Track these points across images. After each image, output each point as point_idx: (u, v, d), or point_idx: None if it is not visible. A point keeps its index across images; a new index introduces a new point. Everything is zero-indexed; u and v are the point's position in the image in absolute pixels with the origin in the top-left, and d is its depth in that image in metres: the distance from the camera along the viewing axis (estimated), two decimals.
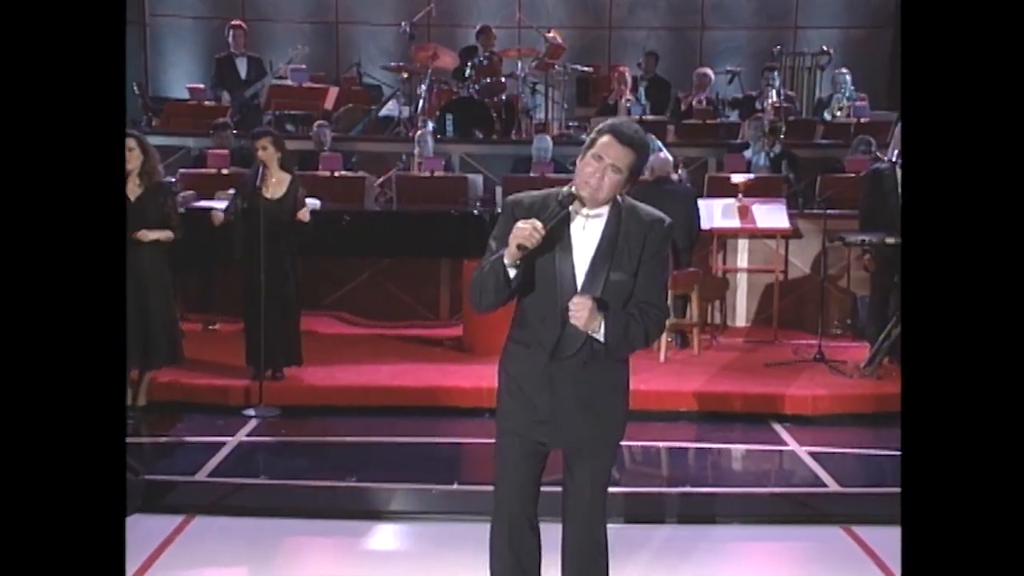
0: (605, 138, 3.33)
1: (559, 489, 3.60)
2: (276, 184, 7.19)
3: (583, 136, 12.20)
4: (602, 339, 3.34)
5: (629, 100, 12.41)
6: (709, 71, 12.86)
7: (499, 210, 4.03)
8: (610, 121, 3.43)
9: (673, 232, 3.51)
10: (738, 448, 6.59)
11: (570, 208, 3.33)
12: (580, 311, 3.29)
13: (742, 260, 9.60)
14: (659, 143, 10.30)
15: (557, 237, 3.34)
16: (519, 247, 3.25)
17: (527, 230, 3.23)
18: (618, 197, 3.42)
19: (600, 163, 3.32)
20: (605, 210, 3.39)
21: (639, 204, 3.49)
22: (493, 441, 3.57)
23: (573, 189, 3.34)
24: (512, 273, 3.31)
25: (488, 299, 3.36)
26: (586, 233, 3.38)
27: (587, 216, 3.37)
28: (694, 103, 12.49)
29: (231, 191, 8.00)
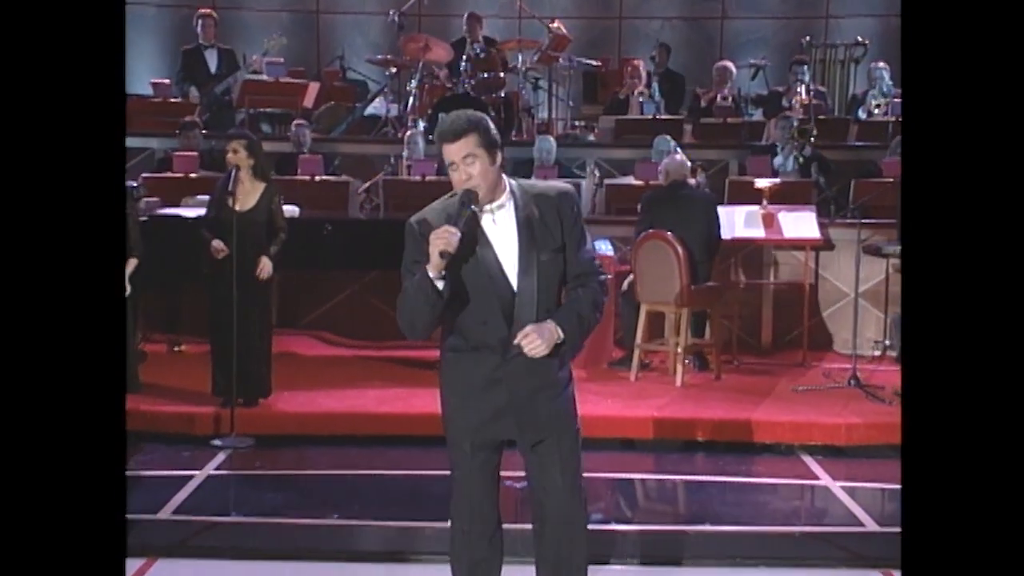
0: (442, 148, 3.68)
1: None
2: (247, 194, 7.18)
3: (590, 137, 12.28)
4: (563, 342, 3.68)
5: (642, 95, 12.45)
6: (730, 65, 12.90)
7: None
8: (435, 130, 3.78)
9: (579, 197, 3.88)
10: (763, 482, 6.59)
11: (473, 209, 3.64)
12: (533, 343, 3.61)
13: (767, 274, 9.61)
14: (673, 144, 10.34)
15: (472, 239, 3.64)
16: (441, 254, 3.54)
17: (443, 235, 3.54)
18: (511, 182, 3.75)
19: (455, 166, 3.66)
20: (505, 198, 3.72)
21: (530, 181, 3.86)
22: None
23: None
24: (440, 285, 3.59)
25: (423, 319, 3.65)
26: (499, 226, 3.70)
27: (492, 210, 3.69)
28: (718, 99, 12.51)
29: (204, 197, 8.01)
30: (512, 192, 3.73)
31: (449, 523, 3.97)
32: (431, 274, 3.58)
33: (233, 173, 7.11)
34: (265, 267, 7.18)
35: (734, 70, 12.86)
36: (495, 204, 3.70)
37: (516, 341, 3.63)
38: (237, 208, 7.09)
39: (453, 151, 3.66)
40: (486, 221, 3.69)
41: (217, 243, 7.15)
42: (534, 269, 3.67)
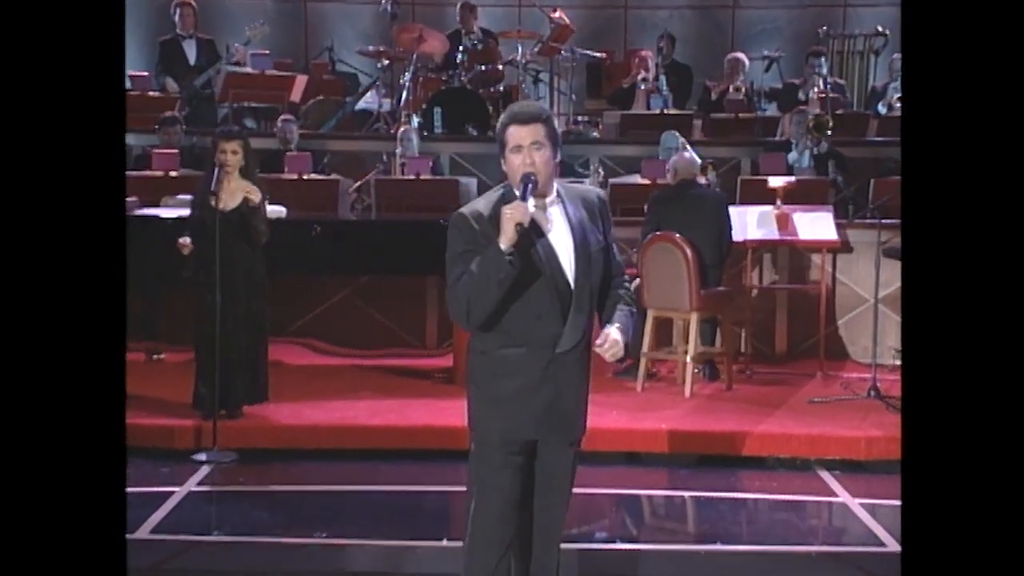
0: (509, 129, 3.87)
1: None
2: (232, 193, 7.16)
3: (594, 133, 12.29)
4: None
5: (647, 86, 12.43)
6: (743, 56, 12.91)
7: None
8: (505, 112, 3.99)
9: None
10: (778, 499, 6.58)
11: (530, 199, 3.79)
12: (614, 347, 3.88)
13: (781, 278, 9.61)
14: (682, 140, 10.35)
15: (529, 228, 3.77)
16: (517, 227, 3.69)
17: (518, 207, 3.71)
18: (555, 182, 3.96)
19: (521, 150, 3.84)
20: (554, 196, 3.92)
21: (566, 183, 4.07)
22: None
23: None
24: (511, 256, 3.71)
25: (486, 301, 3.76)
26: (552, 222, 3.88)
27: (545, 205, 3.88)
28: (730, 91, 12.50)
29: (185, 196, 7.99)
30: (559, 191, 3.93)
31: (466, 538, 3.99)
32: (503, 246, 3.71)
33: (217, 171, 7.06)
34: (253, 192, 7.14)
35: (747, 62, 12.88)
36: (548, 199, 3.89)
37: (600, 344, 3.88)
38: (220, 207, 7.05)
39: (524, 134, 3.84)
40: (538, 215, 3.84)
41: (183, 239, 7.15)
42: (589, 266, 3.87)
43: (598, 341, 3.90)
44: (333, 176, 10.47)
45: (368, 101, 12.63)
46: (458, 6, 12.86)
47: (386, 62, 12.48)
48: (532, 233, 3.79)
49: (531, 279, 3.81)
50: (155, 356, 9.01)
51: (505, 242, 3.72)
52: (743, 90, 12.63)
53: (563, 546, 4.00)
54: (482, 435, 3.96)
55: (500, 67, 12.32)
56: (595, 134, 12.28)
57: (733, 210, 8.77)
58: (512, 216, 3.70)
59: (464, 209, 3.94)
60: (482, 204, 3.92)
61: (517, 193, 3.81)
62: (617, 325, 3.93)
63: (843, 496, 6.59)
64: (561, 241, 3.87)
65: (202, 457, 6.99)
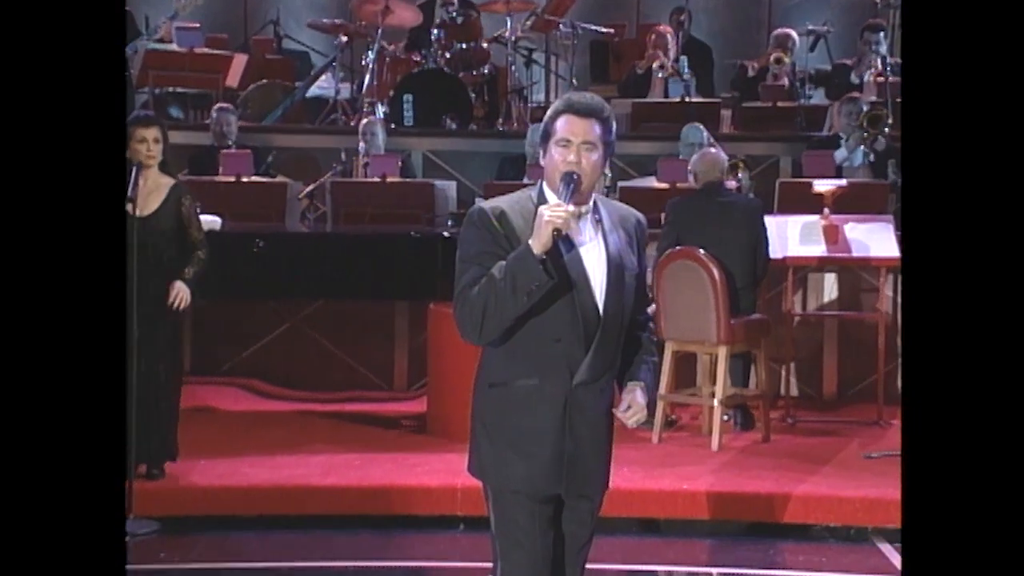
0: (561, 119, 4.01)
1: None
2: (149, 194, 7.12)
3: None
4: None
5: (665, 70, 12.45)
6: (793, 33, 12.92)
7: None
8: (560, 99, 4.14)
9: None
10: None
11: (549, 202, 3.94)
12: (638, 413, 4.06)
13: (830, 303, 9.63)
14: (706, 134, 10.38)
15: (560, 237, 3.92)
16: (555, 232, 3.81)
17: (557, 210, 3.83)
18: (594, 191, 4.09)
19: (570, 144, 3.97)
20: (591, 206, 4.06)
21: (606, 199, 4.25)
22: (488, 538, 4.03)
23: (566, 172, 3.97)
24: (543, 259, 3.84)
25: (510, 311, 3.88)
26: (584, 235, 4.03)
27: (580, 214, 4.00)
28: (770, 66, 12.48)
29: None
30: (597, 204, 4.09)
31: None
32: (536, 250, 3.83)
33: (135, 168, 6.98)
34: (181, 295, 7.12)
35: (797, 40, 12.89)
36: (583, 208, 4.03)
37: (623, 411, 4.06)
38: (138, 213, 6.98)
39: (579, 128, 3.98)
40: (572, 223, 3.96)
41: None
42: (622, 291, 4.04)
43: (621, 406, 4.07)
44: (279, 179, 10.49)
45: (322, 86, 12.67)
46: None
47: (344, 38, 12.51)
48: (561, 243, 3.92)
49: (554, 295, 3.92)
50: None
51: (538, 247, 3.84)
52: (786, 73, 12.64)
53: None
54: (501, 483, 4.04)
55: (484, 45, 12.37)
56: None
57: (770, 220, 8.79)
58: (552, 219, 3.82)
59: (485, 204, 4.08)
60: (506, 202, 4.04)
61: (552, 194, 3.97)
62: (642, 384, 4.11)
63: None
64: (594, 258, 4.01)
65: None
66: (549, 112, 4.08)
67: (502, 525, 4.03)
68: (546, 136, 4.04)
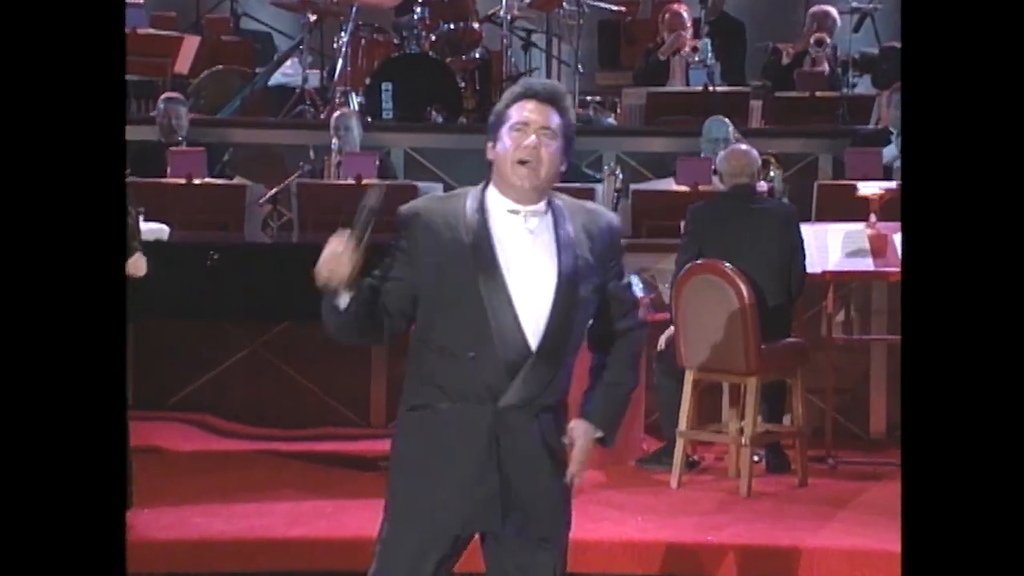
0: (519, 103, 4.09)
1: None
2: None
3: (609, 119, 12.35)
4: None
5: (688, 56, 12.46)
6: (833, 11, 12.92)
7: None
8: (517, 83, 4.29)
9: None
10: None
11: (487, 204, 4.09)
12: (574, 466, 4.13)
13: (878, 325, 9.65)
14: (733, 130, 10.40)
15: (481, 241, 4.03)
16: (323, 288, 4.05)
17: (328, 260, 4.03)
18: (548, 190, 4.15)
19: (526, 129, 4.05)
20: (545, 205, 4.12)
21: (571, 198, 4.26)
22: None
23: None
24: (343, 303, 4.05)
25: (346, 331, 4.19)
26: (533, 237, 4.09)
27: (526, 215, 4.10)
28: (810, 48, 12.50)
29: None
30: (553, 204, 4.15)
31: None
32: (336, 301, 4.06)
33: None
34: (138, 264, 7.06)
35: (838, 20, 12.90)
36: (533, 208, 4.10)
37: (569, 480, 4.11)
38: None
39: (538, 114, 4.07)
40: (515, 225, 4.08)
41: None
42: (571, 309, 4.07)
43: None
44: (237, 180, 10.50)
45: (288, 73, 12.70)
46: None
47: (313, 17, 12.52)
48: (490, 247, 4.03)
49: (463, 310, 4.02)
50: None
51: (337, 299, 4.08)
52: (826, 58, 12.66)
53: None
54: (398, 511, 4.16)
55: (476, 25, 12.38)
56: (611, 120, 12.36)
57: (807, 228, 8.80)
58: (318, 274, 4.11)
59: (415, 201, 4.27)
60: (435, 202, 4.27)
61: (500, 195, 4.12)
62: (586, 424, 4.20)
63: None
64: (532, 269, 4.06)
65: None
66: (504, 98, 4.18)
67: (385, 558, 4.19)
68: (498, 124, 4.12)
